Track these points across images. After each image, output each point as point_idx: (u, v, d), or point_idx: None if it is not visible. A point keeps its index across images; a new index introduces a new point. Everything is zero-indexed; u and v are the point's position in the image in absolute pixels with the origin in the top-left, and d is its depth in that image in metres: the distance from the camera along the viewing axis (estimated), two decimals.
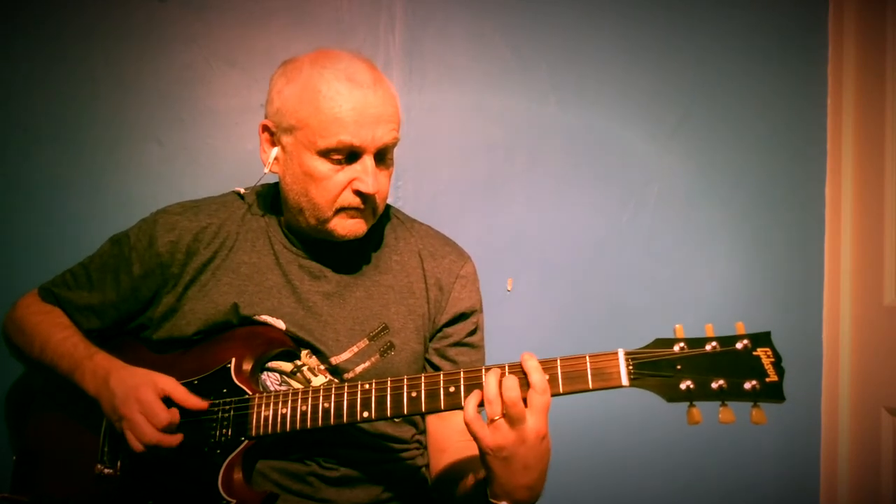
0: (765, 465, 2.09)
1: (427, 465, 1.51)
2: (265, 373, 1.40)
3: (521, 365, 1.17)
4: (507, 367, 1.18)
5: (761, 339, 1.13)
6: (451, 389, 1.21)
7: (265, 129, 1.40)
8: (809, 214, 2.14)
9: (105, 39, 1.86)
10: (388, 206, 1.54)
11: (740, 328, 1.14)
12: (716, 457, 2.06)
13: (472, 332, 1.49)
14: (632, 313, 2.03)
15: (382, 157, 1.37)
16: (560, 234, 2.02)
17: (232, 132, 1.90)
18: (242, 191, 1.53)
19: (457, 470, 1.37)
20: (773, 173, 2.13)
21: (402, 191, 1.94)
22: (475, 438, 1.16)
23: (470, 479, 1.31)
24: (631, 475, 2.03)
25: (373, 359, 1.41)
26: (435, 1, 1.98)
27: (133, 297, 1.46)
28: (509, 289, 1.99)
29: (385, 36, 1.96)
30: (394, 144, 1.37)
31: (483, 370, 1.20)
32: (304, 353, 1.40)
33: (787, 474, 2.10)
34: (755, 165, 2.12)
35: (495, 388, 1.15)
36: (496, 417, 1.14)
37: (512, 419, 1.14)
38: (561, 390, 1.16)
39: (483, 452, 1.17)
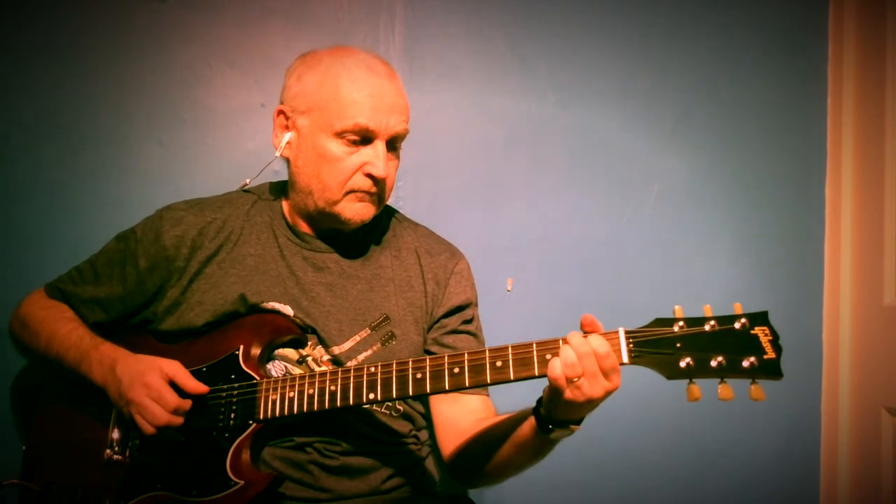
0: (765, 464, 2.09)
1: (424, 460, 1.53)
2: (271, 361, 1.43)
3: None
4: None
5: (759, 318, 1.16)
6: (456, 370, 1.24)
7: (280, 113, 1.46)
8: (809, 214, 2.14)
9: (105, 39, 1.86)
10: (388, 207, 1.58)
11: (738, 308, 1.18)
12: (716, 456, 2.05)
13: (468, 321, 1.53)
14: (631, 313, 1.99)
15: (393, 146, 1.43)
16: (560, 233, 2.02)
17: (232, 132, 1.91)
18: (248, 182, 1.57)
19: (488, 437, 1.38)
20: (774, 173, 2.13)
21: (402, 191, 1.94)
22: (555, 391, 1.16)
23: (507, 431, 1.33)
24: (631, 474, 2.03)
25: (374, 347, 1.44)
26: (435, 0, 1.98)
27: (139, 291, 1.48)
28: (509, 289, 2.00)
29: (385, 36, 1.96)
30: (404, 135, 1.44)
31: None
32: (309, 343, 1.43)
33: (788, 474, 2.09)
34: (755, 165, 2.12)
35: (574, 354, 1.15)
36: (576, 378, 1.15)
37: (606, 371, 1.16)
38: None
39: (562, 400, 1.17)
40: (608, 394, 1.17)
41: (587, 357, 1.15)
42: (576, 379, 1.15)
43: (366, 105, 1.37)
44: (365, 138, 1.39)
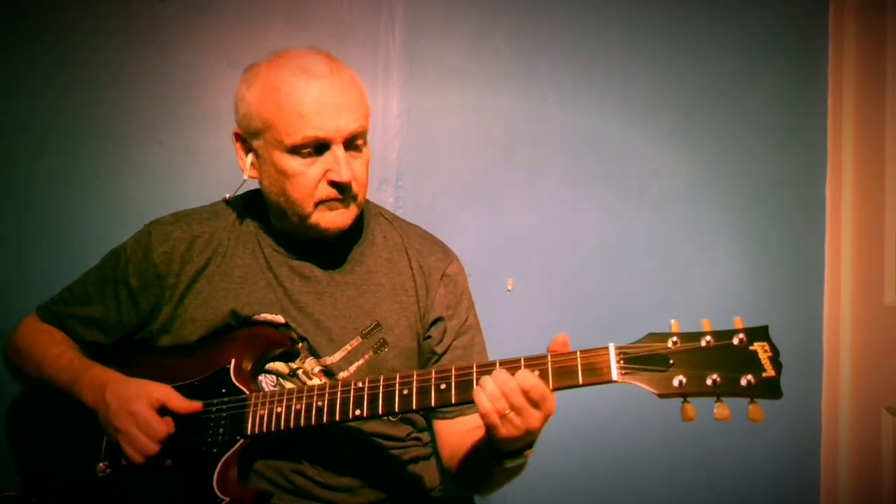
0: (765, 464, 2.09)
1: (426, 463, 1.52)
2: (263, 375, 1.41)
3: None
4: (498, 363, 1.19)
5: (758, 333, 1.11)
6: (443, 387, 1.23)
7: (237, 137, 1.42)
8: (810, 214, 2.14)
9: (106, 40, 1.86)
10: (374, 206, 1.57)
11: (738, 323, 1.12)
12: (716, 456, 2.05)
13: (465, 320, 1.51)
14: (632, 313, 2.03)
15: (353, 144, 1.37)
16: (560, 234, 2.02)
17: (232, 132, 1.90)
18: (228, 197, 1.54)
19: (474, 459, 1.40)
20: (774, 173, 2.13)
21: (402, 191, 1.94)
22: (492, 428, 1.17)
23: (479, 453, 1.35)
24: (630, 474, 2.03)
25: (367, 356, 1.42)
26: (435, 1, 1.98)
27: (134, 310, 1.48)
28: (510, 289, 2.00)
29: (385, 36, 1.96)
30: (361, 133, 1.37)
31: (475, 369, 1.22)
32: (300, 356, 1.42)
33: (788, 474, 2.10)
34: (755, 165, 2.12)
35: (494, 387, 1.15)
36: (507, 412, 1.15)
37: (522, 416, 1.15)
38: (551, 386, 1.17)
39: (496, 438, 1.18)
40: (537, 430, 1.17)
41: (514, 394, 1.15)
42: (507, 412, 1.15)
43: (310, 113, 1.31)
44: (320, 147, 1.34)
